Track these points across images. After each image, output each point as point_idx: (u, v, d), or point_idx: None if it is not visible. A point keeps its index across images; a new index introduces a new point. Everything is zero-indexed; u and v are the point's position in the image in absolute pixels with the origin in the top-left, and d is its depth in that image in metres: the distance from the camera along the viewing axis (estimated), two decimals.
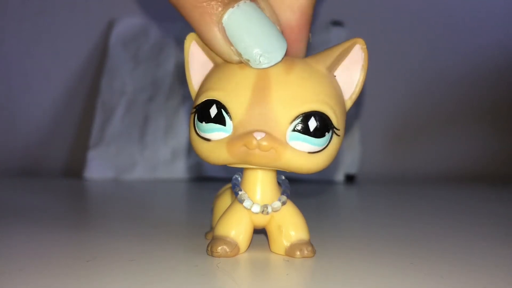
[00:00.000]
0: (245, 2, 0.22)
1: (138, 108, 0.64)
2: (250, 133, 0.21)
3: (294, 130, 0.21)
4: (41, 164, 0.67)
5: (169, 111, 0.63)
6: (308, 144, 0.22)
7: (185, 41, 0.24)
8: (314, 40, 0.66)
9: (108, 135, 0.62)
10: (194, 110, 0.23)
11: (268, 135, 0.21)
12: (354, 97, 0.24)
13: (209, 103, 0.22)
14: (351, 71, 0.23)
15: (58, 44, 0.68)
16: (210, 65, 0.24)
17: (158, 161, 0.62)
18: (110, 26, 0.68)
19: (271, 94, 0.21)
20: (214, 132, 0.22)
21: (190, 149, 0.62)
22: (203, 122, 0.22)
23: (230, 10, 0.21)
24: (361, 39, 0.23)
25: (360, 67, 0.23)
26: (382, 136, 0.71)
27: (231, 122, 0.22)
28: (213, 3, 0.21)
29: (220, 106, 0.22)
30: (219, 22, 0.21)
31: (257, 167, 0.23)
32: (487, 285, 0.20)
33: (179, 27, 0.66)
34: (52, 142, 0.67)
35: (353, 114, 0.66)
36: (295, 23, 0.24)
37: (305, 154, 0.22)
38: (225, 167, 0.62)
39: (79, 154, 0.65)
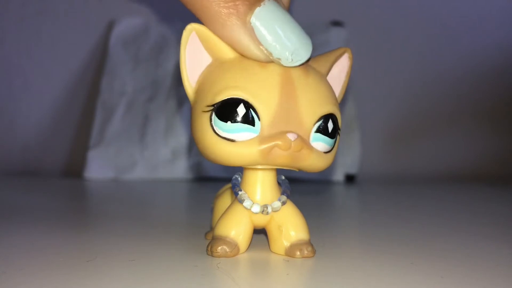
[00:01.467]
0: (269, 0, 0.21)
1: (138, 108, 0.64)
2: (283, 134, 0.21)
3: (316, 131, 0.22)
4: (41, 164, 0.67)
5: (169, 111, 0.63)
6: (325, 144, 0.22)
7: (184, 31, 0.22)
8: (314, 40, 0.66)
9: (108, 135, 0.62)
10: (211, 108, 0.22)
11: (300, 136, 0.21)
12: (339, 100, 0.25)
13: (234, 102, 0.21)
14: (338, 77, 0.25)
15: (58, 44, 0.68)
16: (208, 60, 0.23)
17: (158, 161, 0.62)
18: (110, 26, 0.68)
19: (297, 96, 0.22)
20: (241, 132, 0.21)
21: (190, 149, 0.62)
22: (228, 122, 0.21)
23: (258, 9, 0.21)
24: (349, 49, 0.25)
25: (345, 74, 0.25)
26: (382, 136, 0.71)
27: (259, 122, 0.21)
28: (238, 2, 0.21)
29: (248, 105, 0.21)
30: (247, 22, 0.21)
31: (266, 167, 0.23)
32: (487, 285, 0.20)
33: (179, 27, 0.66)
34: (52, 142, 0.68)
35: (353, 114, 0.66)
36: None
37: (322, 154, 0.23)
38: (225, 167, 0.62)
39: (79, 154, 0.65)
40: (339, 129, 0.23)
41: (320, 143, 0.22)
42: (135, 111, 0.64)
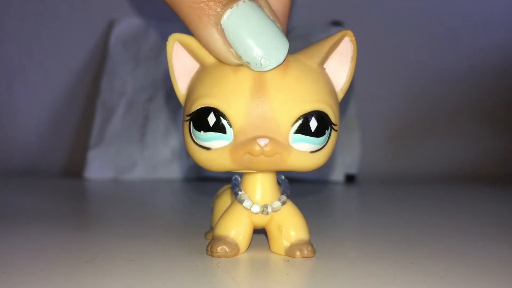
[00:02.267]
0: (244, 1, 0.21)
1: (138, 108, 0.64)
2: (253, 140, 0.21)
3: (296, 132, 0.21)
4: (41, 164, 0.67)
5: (169, 111, 0.63)
6: (310, 144, 0.22)
7: (167, 42, 0.23)
8: (314, 40, 0.66)
9: (108, 135, 0.62)
10: (189, 118, 0.22)
11: (272, 140, 0.21)
12: (345, 88, 0.24)
13: (206, 110, 0.21)
14: (341, 63, 0.23)
15: (58, 44, 0.68)
16: (196, 66, 0.23)
17: (158, 161, 0.62)
18: (110, 26, 0.68)
19: (270, 98, 0.21)
20: (214, 140, 0.21)
21: None
22: (201, 131, 0.21)
23: (229, 10, 0.20)
24: (350, 31, 0.23)
25: (349, 58, 0.23)
26: (382, 136, 0.71)
27: (231, 129, 0.21)
28: (211, 3, 0.20)
29: (219, 113, 0.21)
30: (218, 23, 0.21)
31: (252, 171, 0.23)
32: (487, 285, 0.20)
33: (179, 27, 0.66)
34: (52, 142, 0.68)
35: (354, 114, 0.66)
36: (282, 13, 0.24)
37: (308, 154, 0.22)
38: None
39: (79, 154, 0.65)
40: (333, 124, 0.22)
41: (303, 143, 0.21)
42: (135, 111, 0.64)
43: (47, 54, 0.68)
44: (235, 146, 0.21)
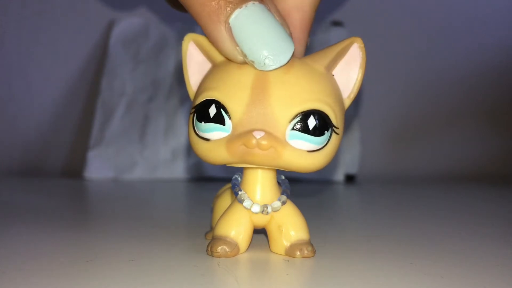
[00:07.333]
0: (253, 3, 0.22)
1: (138, 108, 0.64)
2: (249, 132, 0.21)
3: (293, 129, 0.22)
4: (41, 164, 0.67)
5: (169, 111, 0.63)
6: (307, 142, 0.22)
7: (183, 41, 0.24)
8: (314, 40, 0.66)
9: (108, 135, 0.62)
10: (193, 110, 0.23)
11: (268, 134, 0.21)
12: (353, 96, 0.24)
13: (208, 102, 0.22)
14: (349, 70, 0.23)
15: (58, 44, 0.68)
16: (208, 65, 0.24)
17: (158, 161, 0.62)
18: (110, 26, 0.68)
19: (270, 94, 0.21)
20: (213, 131, 0.22)
21: (190, 149, 0.62)
22: (202, 122, 0.22)
23: (238, 10, 0.21)
24: (359, 38, 0.23)
25: (358, 65, 0.23)
26: (382, 136, 0.71)
27: (230, 121, 0.22)
28: (221, 2, 0.21)
29: (219, 105, 0.22)
30: (226, 22, 0.22)
31: (257, 166, 0.23)
32: (487, 285, 0.20)
33: (179, 27, 0.66)
34: (52, 142, 0.67)
35: (353, 114, 0.66)
36: (297, 23, 0.24)
37: (305, 152, 0.22)
38: (225, 167, 0.62)
39: (79, 154, 0.65)
40: (334, 126, 0.22)
41: (300, 141, 0.22)
42: (135, 111, 0.63)
43: (47, 54, 0.68)
44: (231, 138, 0.22)
